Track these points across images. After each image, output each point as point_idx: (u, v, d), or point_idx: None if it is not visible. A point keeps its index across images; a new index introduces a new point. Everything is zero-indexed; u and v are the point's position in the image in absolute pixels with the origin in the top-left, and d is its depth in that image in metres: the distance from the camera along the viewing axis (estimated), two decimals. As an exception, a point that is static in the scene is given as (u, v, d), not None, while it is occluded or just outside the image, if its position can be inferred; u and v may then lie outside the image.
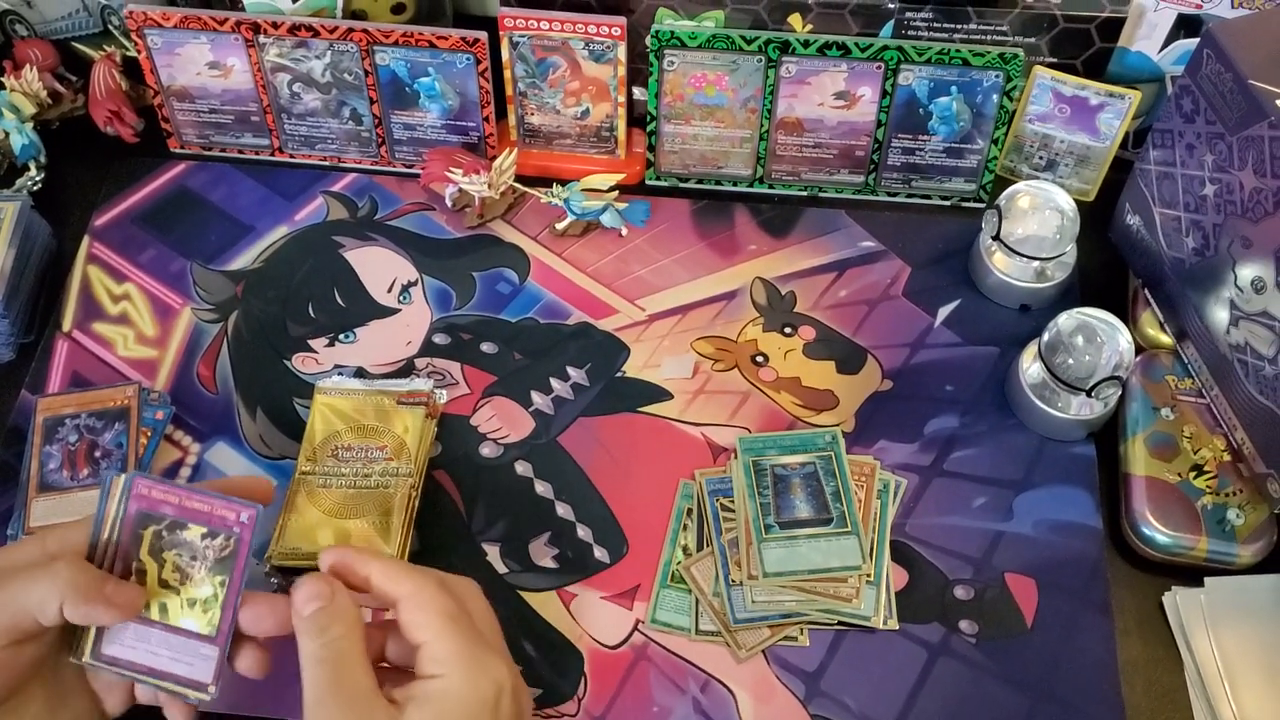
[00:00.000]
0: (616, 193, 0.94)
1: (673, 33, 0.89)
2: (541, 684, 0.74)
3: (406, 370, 0.87)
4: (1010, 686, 0.74)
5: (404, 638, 0.60)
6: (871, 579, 0.76)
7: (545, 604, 0.77)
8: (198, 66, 0.94)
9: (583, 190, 0.93)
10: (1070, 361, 0.81)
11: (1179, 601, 0.76)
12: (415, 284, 0.91)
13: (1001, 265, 0.89)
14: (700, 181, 0.98)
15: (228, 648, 0.61)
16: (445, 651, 0.58)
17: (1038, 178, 0.96)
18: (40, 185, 0.97)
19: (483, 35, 0.90)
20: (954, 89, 0.90)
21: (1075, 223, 0.87)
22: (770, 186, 0.98)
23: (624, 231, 0.94)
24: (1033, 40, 0.92)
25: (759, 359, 0.88)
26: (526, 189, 0.95)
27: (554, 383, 0.86)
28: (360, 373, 0.86)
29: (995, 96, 0.90)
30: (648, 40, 0.90)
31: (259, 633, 0.61)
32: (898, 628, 0.76)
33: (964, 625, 0.76)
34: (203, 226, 0.95)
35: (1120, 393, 0.82)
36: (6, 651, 0.58)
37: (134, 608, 0.60)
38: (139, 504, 0.61)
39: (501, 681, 0.58)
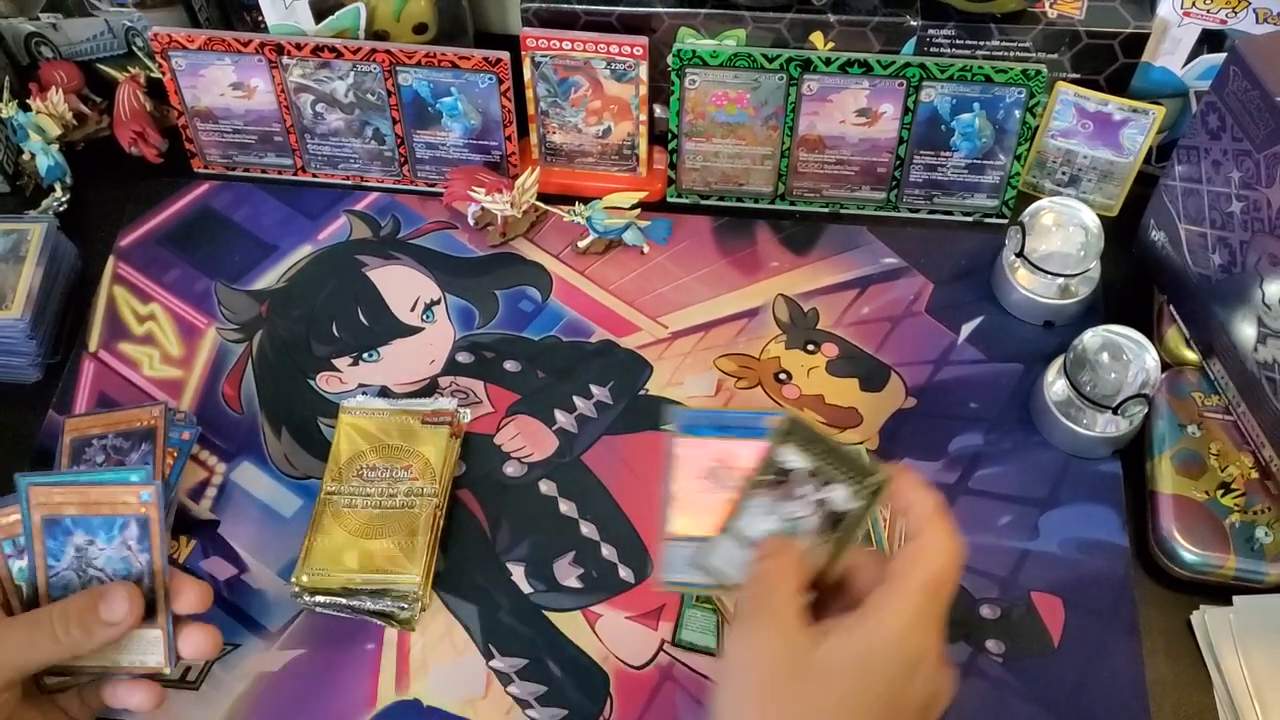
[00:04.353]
0: (638, 210, 0.94)
1: (694, 51, 0.89)
2: (567, 705, 0.74)
3: (430, 389, 0.87)
4: (1037, 707, 0.73)
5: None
6: (897, 598, 0.76)
7: (570, 624, 0.77)
8: (221, 87, 0.95)
9: (605, 208, 0.93)
10: (1096, 379, 0.80)
11: (1207, 621, 0.76)
12: (438, 303, 0.92)
13: (1025, 282, 0.89)
14: (722, 199, 0.98)
15: (170, 626, 0.64)
16: (904, 605, 0.55)
17: (1061, 193, 0.96)
18: (66, 206, 0.97)
19: (505, 55, 0.90)
20: (976, 105, 0.90)
21: (1099, 239, 0.87)
22: (792, 203, 0.97)
23: (646, 249, 0.94)
24: (1055, 56, 0.92)
25: (782, 376, 0.88)
26: (548, 207, 0.96)
27: (577, 401, 0.86)
28: (384, 392, 0.87)
29: (1018, 112, 0.90)
30: (669, 59, 0.90)
31: (187, 610, 0.66)
32: (924, 647, 0.75)
33: (990, 645, 0.76)
34: (227, 246, 0.95)
35: (1146, 410, 0.82)
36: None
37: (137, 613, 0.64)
38: (41, 512, 0.64)
39: (928, 653, 0.55)
